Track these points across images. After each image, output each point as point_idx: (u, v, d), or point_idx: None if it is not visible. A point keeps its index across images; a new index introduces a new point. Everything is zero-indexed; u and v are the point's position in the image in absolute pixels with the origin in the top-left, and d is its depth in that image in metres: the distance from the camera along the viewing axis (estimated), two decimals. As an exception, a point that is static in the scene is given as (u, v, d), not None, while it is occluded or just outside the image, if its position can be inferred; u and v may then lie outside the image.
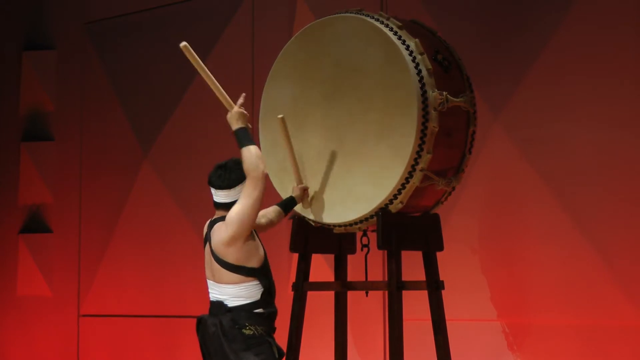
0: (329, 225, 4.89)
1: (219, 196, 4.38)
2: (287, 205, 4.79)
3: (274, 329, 4.40)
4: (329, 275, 5.89)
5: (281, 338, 4.62)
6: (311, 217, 4.92)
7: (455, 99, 4.76)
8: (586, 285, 5.82)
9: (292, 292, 5.03)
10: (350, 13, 4.92)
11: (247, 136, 4.35)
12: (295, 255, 5.11)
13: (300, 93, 4.98)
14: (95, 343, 8.24)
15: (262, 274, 4.33)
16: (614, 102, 5.81)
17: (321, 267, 6.22)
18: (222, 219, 4.34)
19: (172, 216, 7.80)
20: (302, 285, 5.03)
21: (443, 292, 4.96)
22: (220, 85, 4.49)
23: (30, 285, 8.56)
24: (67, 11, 8.64)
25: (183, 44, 4.42)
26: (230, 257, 4.29)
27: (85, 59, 8.49)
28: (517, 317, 6.09)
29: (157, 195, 7.94)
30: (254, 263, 4.32)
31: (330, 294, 5.27)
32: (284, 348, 4.71)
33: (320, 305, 5.65)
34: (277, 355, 4.34)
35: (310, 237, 4.99)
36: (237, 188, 4.35)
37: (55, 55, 8.66)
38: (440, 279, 4.95)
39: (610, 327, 5.74)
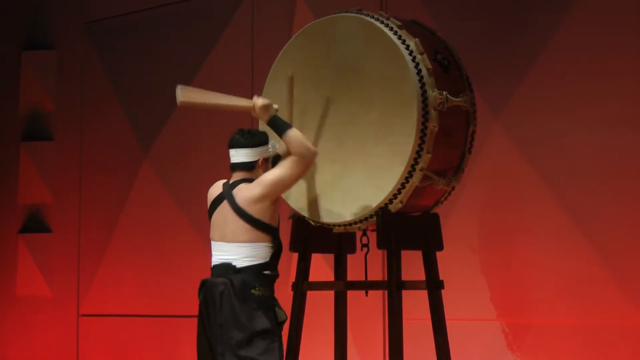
0: (328, 224, 4.88)
1: (239, 155, 4.50)
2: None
3: (274, 292, 4.51)
4: (328, 275, 5.88)
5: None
6: (311, 216, 4.92)
7: (455, 99, 4.76)
8: (586, 285, 5.82)
9: (292, 292, 5.03)
10: (350, 13, 4.92)
11: (283, 121, 4.52)
12: (295, 255, 5.11)
13: (300, 93, 4.98)
14: (94, 343, 8.24)
15: (276, 234, 4.48)
16: (614, 102, 5.81)
17: (321, 267, 6.21)
18: (243, 181, 4.48)
19: (172, 216, 7.80)
20: (302, 285, 5.02)
21: (443, 291, 4.96)
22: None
23: (30, 285, 8.55)
24: (66, 11, 8.64)
25: (179, 99, 4.54)
26: (255, 212, 4.41)
27: (85, 59, 8.49)
28: (516, 317, 6.09)
29: (156, 195, 7.94)
30: (274, 222, 4.47)
31: (330, 294, 5.27)
32: (284, 348, 4.71)
33: (320, 304, 5.64)
34: (278, 320, 4.44)
35: (309, 237, 4.99)
36: (258, 150, 4.51)
37: (55, 55, 8.66)
38: (440, 278, 4.95)
39: (610, 327, 5.73)
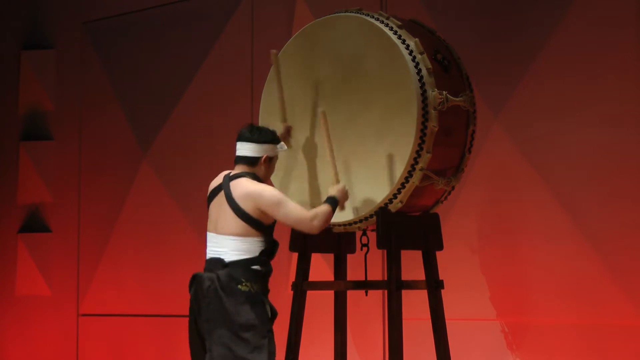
0: (328, 224, 4.88)
1: (244, 149, 4.52)
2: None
3: (268, 290, 4.46)
4: (328, 275, 5.89)
5: (280, 337, 4.62)
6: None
7: (455, 99, 4.77)
8: (586, 285, 5.82)
9: (292, 292, 5.02)
10: (349, 12, 4.92)
11: (336, 205, 4.55)
12: (295, 255, 5.11)
13: (300, 93, 4.98)
14: (94, 342, 8.24)
15: (268, 232, 4.45)
16: (614, 102, 5.81)
17: (321, 267, 6.21)
18: (244, 175, 4.47)
19: (171, 215, 7.80)
20: (302, 285, 5.02)
21: (442, 291, 4.96)
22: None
23: (30, 285, 8.55)
24: (65, 10, 8.63)
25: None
26: (247, 208, 4.41)
27: (84, 59, 8.48)
28: (516, 317, 6.09)
29: (156, 194, 7.94)
30: (265, 220, 4.44)
31: (330, 294, 5.27)
32: (283, 348, 4.71)
33: (319, 304, 5.64)
34: (269, 315, 4.40)
35: (309, 237, 4.98)
36: (263, 146, 4.52)
37: (54, 54, 8.65)
38: (440, 278, 4.95)
39: (611, 326, 5.73)
